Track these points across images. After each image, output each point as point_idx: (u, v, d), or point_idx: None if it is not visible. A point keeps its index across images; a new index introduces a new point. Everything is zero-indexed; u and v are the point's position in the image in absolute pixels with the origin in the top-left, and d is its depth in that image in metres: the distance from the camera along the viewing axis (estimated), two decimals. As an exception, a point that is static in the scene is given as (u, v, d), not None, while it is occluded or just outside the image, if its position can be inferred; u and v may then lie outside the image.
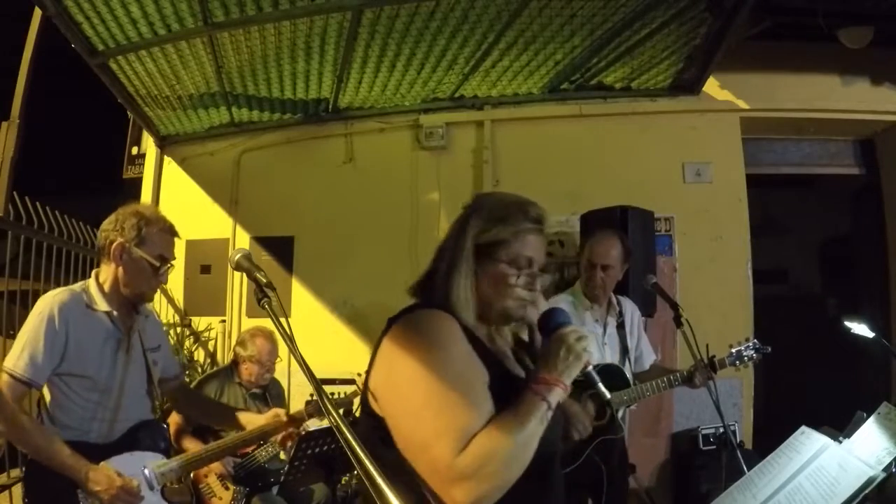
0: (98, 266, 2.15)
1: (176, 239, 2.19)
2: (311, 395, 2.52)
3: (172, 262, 2.13)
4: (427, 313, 1.30)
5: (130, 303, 2.15)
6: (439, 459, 1.12)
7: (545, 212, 1.40)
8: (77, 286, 2.11)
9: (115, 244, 2.04)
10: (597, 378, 1.30)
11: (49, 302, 1.99)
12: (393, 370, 1.25)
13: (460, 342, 1.26)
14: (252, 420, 2.38)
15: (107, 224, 2.10)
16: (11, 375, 1.91)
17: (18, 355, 1.92)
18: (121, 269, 2.06)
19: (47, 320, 1.94)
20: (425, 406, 1.17)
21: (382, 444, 1.22)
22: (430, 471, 1.14)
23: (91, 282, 2.11)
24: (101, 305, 2.07)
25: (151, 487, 2.06)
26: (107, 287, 2.09)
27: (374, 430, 1.26)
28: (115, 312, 2.09)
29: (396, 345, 1.27)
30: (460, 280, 1.33)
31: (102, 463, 1.95)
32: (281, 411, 2.38)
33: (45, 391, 2.03)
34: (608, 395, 1.34)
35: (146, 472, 2.06)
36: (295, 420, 2.38)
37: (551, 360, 1.24)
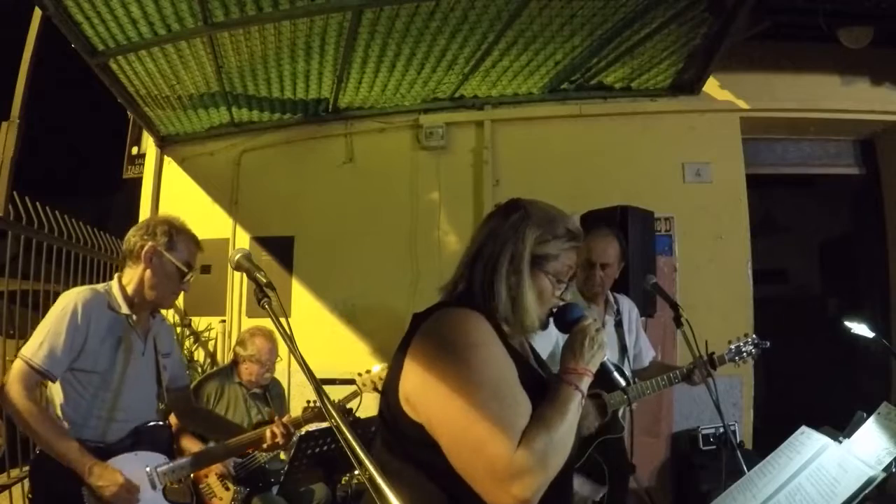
0: (120, 270, 2.20)
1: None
2: (308, 402, 2.53)
3: (194, 273, 2.19)
4: (460, 312, 1.29)
5: (150, 307, 2.21)
6: (498, 458, 1.12)
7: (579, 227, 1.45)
8: (100, 286, 2.16)
9: (146, 247, 2.11)
10: (612, 367, 1.39)
11: (73, 297, 2.04)
12: (433, 372, 1.21)
13: (496, 341, 1.27)
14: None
15: (136, 229, 2.17)
16: (29, 364, 1.93)
17: (38, 345, 1.95)
18: (149, 271, 2.12)
19: (70, 314, 1.99)
20: (476, 407, 1.16)
21: (417, 448, 1.22)
22: (486, 470, 1.13)
23: (114, 284, 2.17)
24: (123, 308, 2.13)
25: (154, 487, 2.11)
26: (130, 290, 2.14)
27: (403, 436, 1.25)
28: (134, 317, 2.14)
29: (432, 345, 1.25)
30: (516, 285, 1.34)
31: (108, 461, 1.99)
32: (278, 428, 2.37)
33: (57, 389, 2.05)
34: (623, 382, 1.42)
35: (148, 471, 2.12)
36: (292, 426, 2.40)
37: (577, 351, 1.32)
